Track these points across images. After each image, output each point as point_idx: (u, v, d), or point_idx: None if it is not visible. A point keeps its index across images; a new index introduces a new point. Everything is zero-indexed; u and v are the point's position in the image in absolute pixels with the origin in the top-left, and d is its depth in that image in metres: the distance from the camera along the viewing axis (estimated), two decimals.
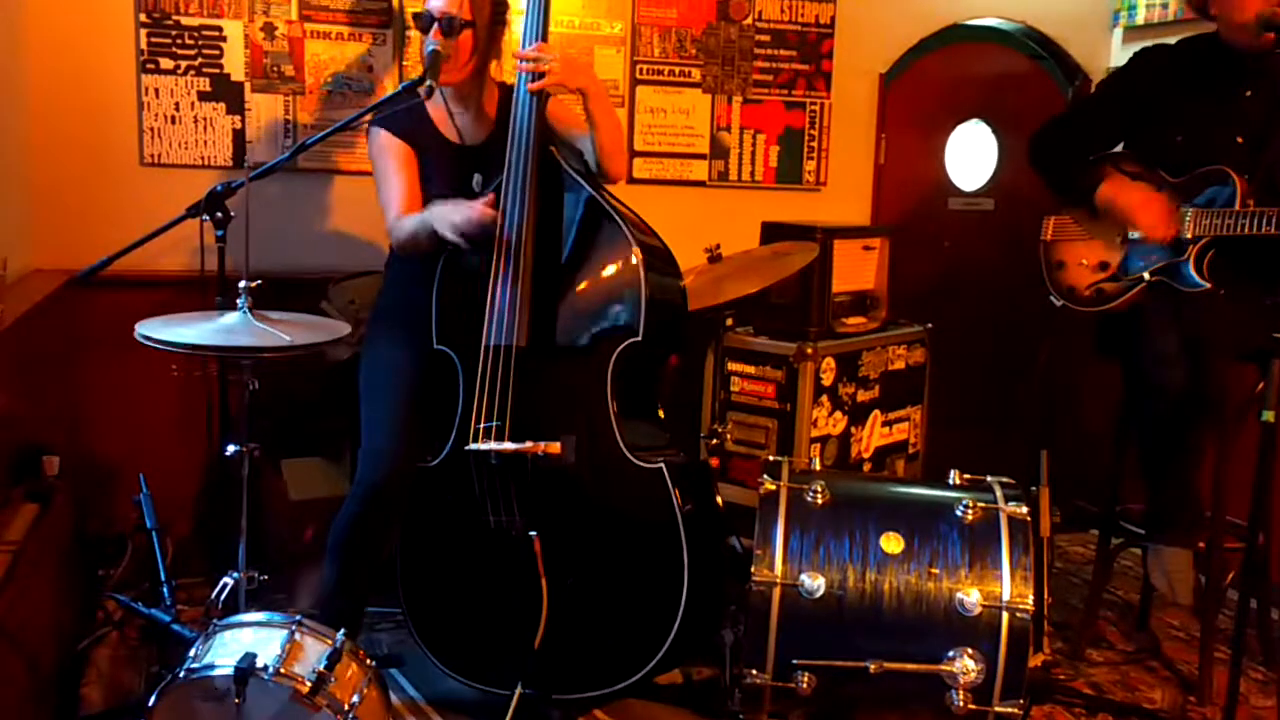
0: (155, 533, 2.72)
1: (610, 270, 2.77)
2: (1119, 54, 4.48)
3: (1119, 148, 3.36)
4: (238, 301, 2.50)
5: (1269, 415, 2.54)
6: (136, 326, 2.40)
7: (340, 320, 2.88)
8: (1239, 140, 3.10)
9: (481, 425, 2.68)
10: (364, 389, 2.88)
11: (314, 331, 2.55)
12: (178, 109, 3.55)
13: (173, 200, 2.98)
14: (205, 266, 2.90)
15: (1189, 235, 3.09)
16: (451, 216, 2.67)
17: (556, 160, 2.81)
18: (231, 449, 2.58)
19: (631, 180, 3.92)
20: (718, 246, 3.31)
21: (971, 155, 4.54)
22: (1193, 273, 3.09)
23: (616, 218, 2.77)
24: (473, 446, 2.67)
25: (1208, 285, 3.07)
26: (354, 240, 3.71)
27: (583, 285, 2.79)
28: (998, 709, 2.68)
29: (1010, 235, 3.83)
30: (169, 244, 3.06)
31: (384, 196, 2.90)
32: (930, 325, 3.98)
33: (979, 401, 4.32)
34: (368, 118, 2.94)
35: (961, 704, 2.66)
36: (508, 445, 2.65)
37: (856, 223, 4.22)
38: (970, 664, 2.67)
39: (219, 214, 2.87)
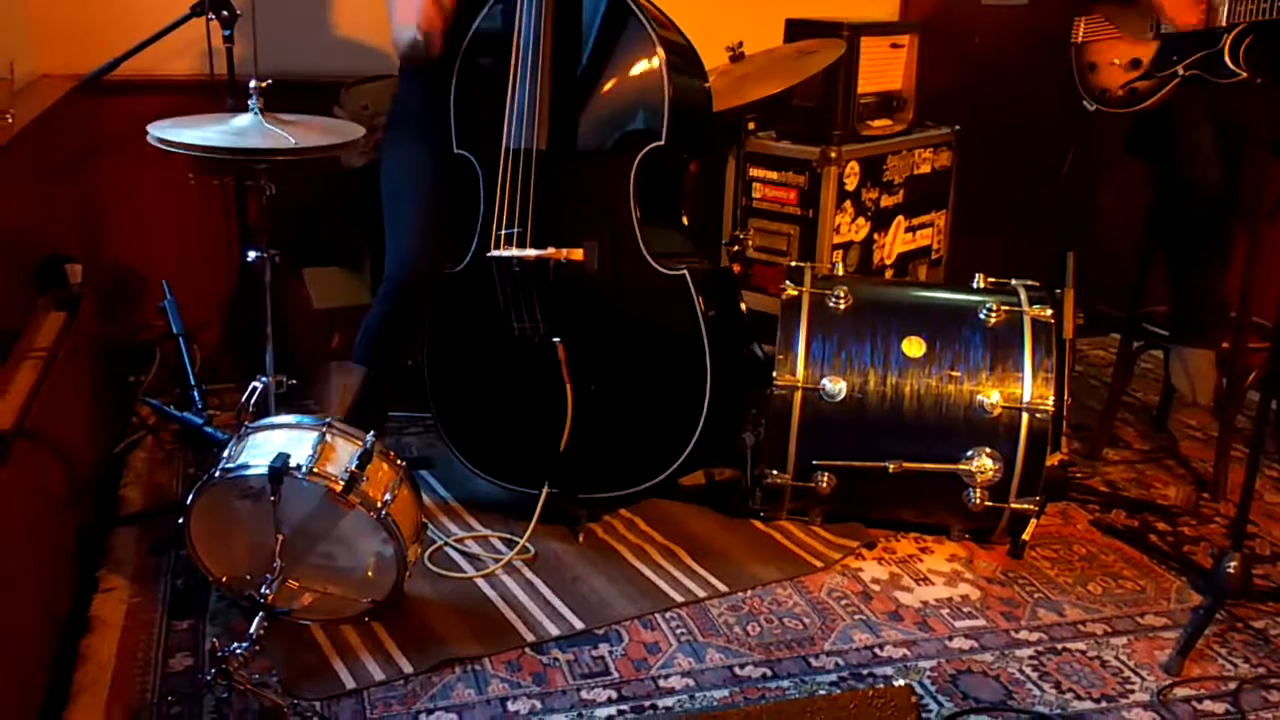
0: (182, 338, 2.75)
1: (633, 71, 2.68)
2: None
3: None
4: (249, 103, 2.45)
5: None
6: (148, 128, 2.37)
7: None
8: None
9: (503, 232, 2.66)
10: (386, 193, 2.84)
11: (327, 134, 2.51)
12: None
13: (179, 1, 2.90)
14: (214, 70, 2.83)
15: (1223, 22, 2.97)
16: None
17: None
18: (252, 255, 2.58)
19: None
20: (740, 44, 3.21)
21: None
22: (1229, 62, 2.97)
23: (639, 13, 2.67)
24: (495, 253, 2.66)
25: (1244, 74, 2.96)
26: (368, 42, 3.60)
27: (604, 87, 2.71)
28: (1013, 505, 2.74)
29: (1044, 33, 3.68)
30: (177, 47, 2.99)
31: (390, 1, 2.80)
32: (958, 127, 3.88)
33: (1006, 205, 4.24)
34: None
35: (978, 501, 2.72)
36: (530, 251, 2.64)
37: (884, 19, 4.06)
38: (988, 463, 2.72)
39: (225, 12, 2.79)
